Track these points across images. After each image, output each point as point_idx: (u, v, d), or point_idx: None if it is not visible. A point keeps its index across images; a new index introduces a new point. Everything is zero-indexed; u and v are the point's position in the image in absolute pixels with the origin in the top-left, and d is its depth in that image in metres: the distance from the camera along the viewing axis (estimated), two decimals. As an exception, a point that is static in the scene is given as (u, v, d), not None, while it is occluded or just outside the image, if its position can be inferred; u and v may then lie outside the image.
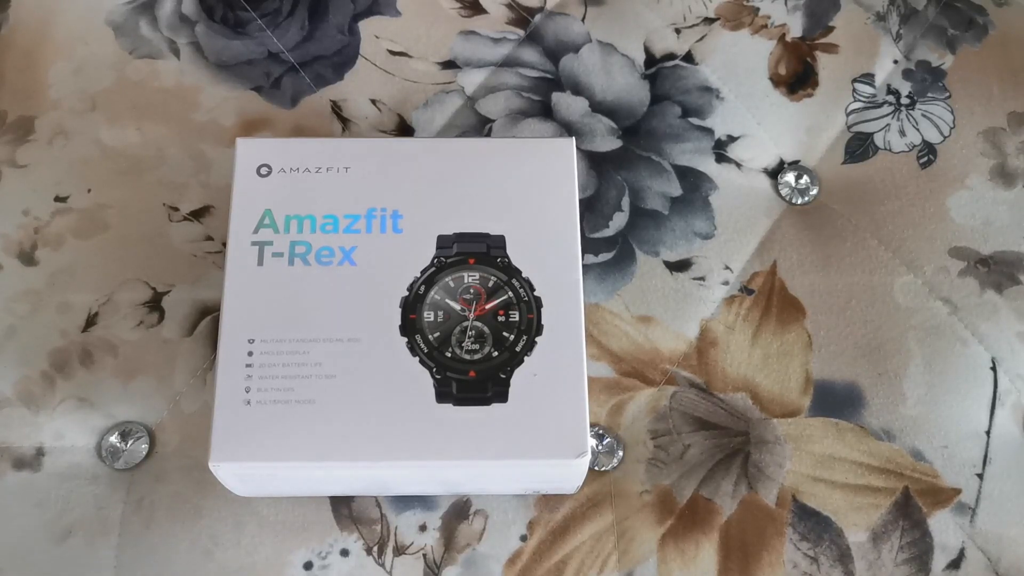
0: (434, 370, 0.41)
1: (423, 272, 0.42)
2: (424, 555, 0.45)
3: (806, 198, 0.52)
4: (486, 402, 0.40)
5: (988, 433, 0.47)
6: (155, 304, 0.49)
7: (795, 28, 0.56)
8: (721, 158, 0.52)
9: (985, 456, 0.47)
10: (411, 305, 0.42)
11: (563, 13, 0.56)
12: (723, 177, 0.52)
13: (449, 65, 0.54)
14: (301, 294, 0.42)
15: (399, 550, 0.45)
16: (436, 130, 0.53)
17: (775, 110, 0.54)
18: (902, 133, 0.53)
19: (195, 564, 0.44)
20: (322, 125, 0.53)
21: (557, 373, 0.41)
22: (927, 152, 0.53)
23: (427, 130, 0.53)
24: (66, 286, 0.49)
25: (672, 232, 0.51)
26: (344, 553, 0.45)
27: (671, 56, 0.55)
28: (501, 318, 0.42)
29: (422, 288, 0.42)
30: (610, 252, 0.50)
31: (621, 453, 0.47)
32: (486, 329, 0.42)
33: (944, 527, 0.46)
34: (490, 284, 0.42)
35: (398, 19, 0.55)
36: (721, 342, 0.49)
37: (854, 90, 0.54)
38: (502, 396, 0.40)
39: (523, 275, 0.42)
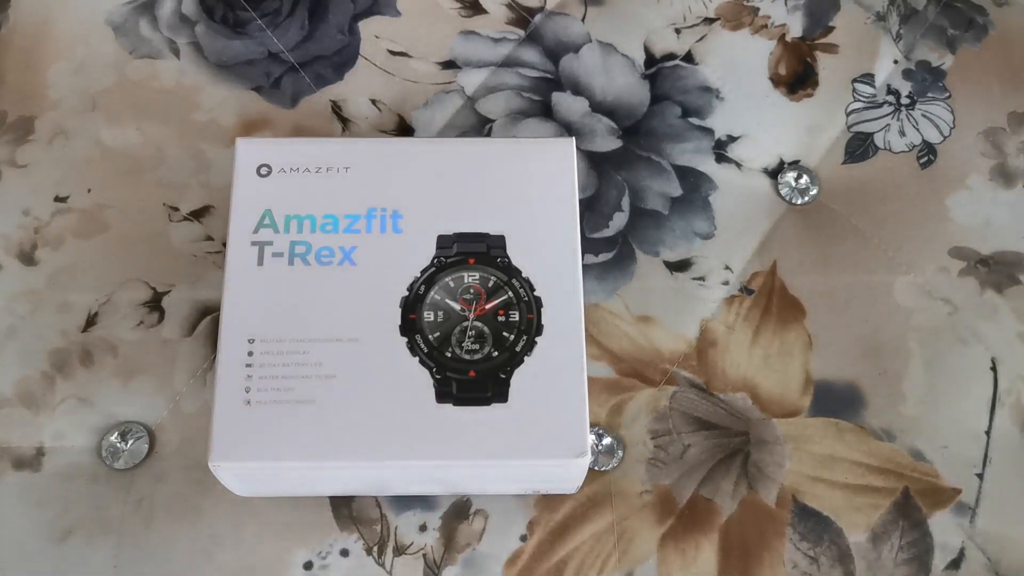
0: (434, 370, 0.41)
1: (423, 272, 0.42)
2: (424, 555, 0.45)
3: (806, 198, 0.52)
4: (486, 402, 0.40)
5: (988, 433, 0.47)
6: (155, 304, 0.49)
7: (795, 28, 0.56)
8: (721, 158, 0.52)
9: (985, 456, 0.47)
10: (411, 305, 0.42)
11: (563, 13, 0.56)
12: (723, 177, 0.52)
13: (449, 65, 0.54)
14: (301, 294, 0.42)
15: (399, 550, 0.45)
16: (436, 130, 0.53)
17: (775, 110, 0.54)
18: (902, 133, 0.53)
19: (195, 564, 0.44)
20: (322, 125, 0.53)
21: (557, 373, 0.41)
22: (927, 152, 0.53)
23: (427, 130, 0.53)
24: (66, 286, 0.49)
25: (672, 232, 0.51)
26: (344, 553, 0.45)
27: (671, 56, 0.55)
28: (501, 318, 0.42)
29: (422, 288, 0.42)
30: (610, 252, 0.50)
31: (621, 453, 0.47)
32: (486, 329, 0.42)
33: (944, 527, 0.46)
34: (490, 284, 0.42)
35: (398, 19, 0.55)
36: (721, 342, 0.49)
37: (854, 90, 0.54)
38: (502, 396, 0.40)
39: (523, 275, 0.42)
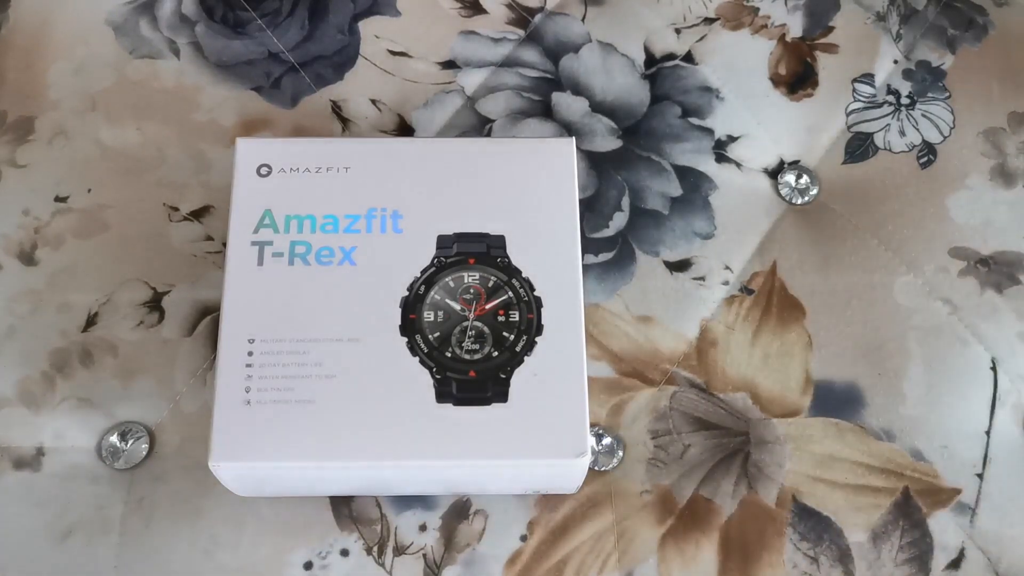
0: (434, 370, 0.41)
1: (423, 272, 0.42)
2: (424, 555, 0.45)
3: (806, 198, 0.52)
4: (486, 402, 0.40)
5: (988, 433, 0.47)
6: (155, 304, 0.49)
7: (795, 28, 0.56)
8: (721, 158, 0.52)
9: (985, 456, 0.47)
10: (411, 305, 0.42)
11: (563, 13, 0.56)
12: (723, 177, 0.52)
13: (449, 65, 0.54)
14: (301, 294, 0.42)
15: (399, 550, 0.45)
16: (436, 130, 0.53)
17: (775, 110, 0.54)
18: (902, 133, 0.53)
19: (195, 564, 0.44)
20: (322, 125, 0.53)
21: (557, 373, 0.41)
22: (927, 152, 0.53)
23: (427, 130, 0.53)
24: (66, 286, 0.49)
25: (672, 232, 0.51)
26: (344, 553, 0.45)
27: (671, 56, 0.55)
28: (501, 318, 0.42)
29: (422, 288, 0.42)
30: (610, 252, 0.50)
31: (621, 453, 0.47)
32: (486, 329, 0.42)
33: (944, 527, 0.46)
34: (490, 284, 0.42)
35: (398, 19, 0.55)
36: (721, 342, 0.49)
37: (854, 90, 0.54)
38: (502, 396, 0.40)
39: (523, 275, 0.42)
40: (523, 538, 0.45)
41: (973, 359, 0.48)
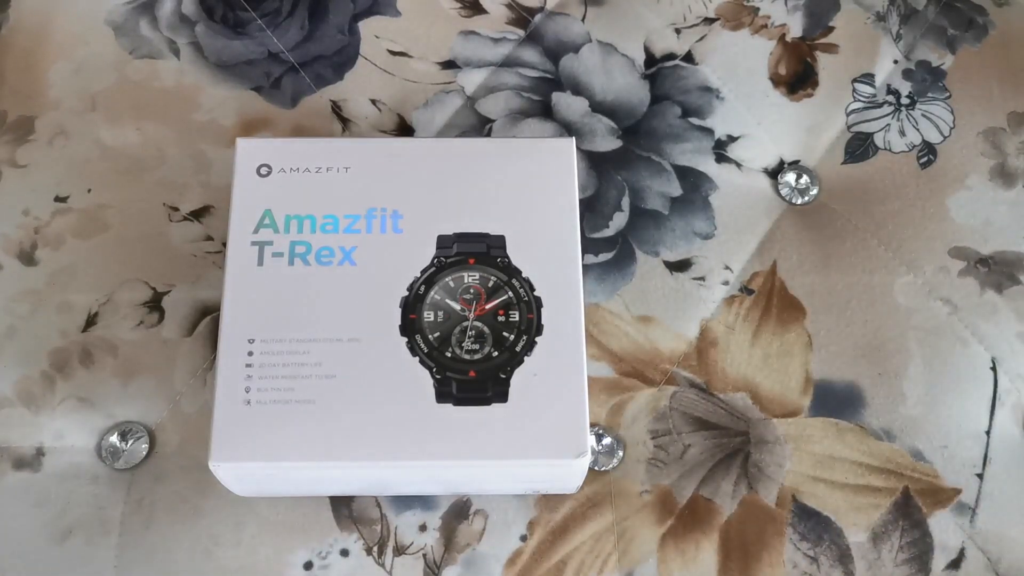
0: (434, 370, 0.41)
1: (423, 272, 0.42)
2: (424, 555, 0.45)
3: (806, 198, 0.52)
4: (486, 402, 0.40)
5: (988, 433, 0.47)
6: (155, 304, 0.49)
7: (795, 28, 0.56)
8: (721, 158, 0.52)
9: (985, 456, 0.47)
10: (411, 305, 0.42)
11: (563, 13, 0.56)
12: (723, 177, 0.52)
13: (449, 65, 0.54)
14: (301, 294, 0.42)
15: (399, 550, 0.45)
16: (436, 130, 0.53)
17: (775, 110, 0.54)
18: (902, 133, 0.53)
19: (195, 564, 0.44)
20: (322, 125, 0.53)
21: (557, 373, 0.41)
22: (927, 152, 0.53)
23: (427, 130, 0.53)
24: (66, 286, 0.49)
25: (672, 232, 0.51)
26: (344, 553, 0.45)
27: (671, 56, 0.55)
28: (501, 318, 0.42)
29: (422, 288, 0.42)
30: (610, 252, 0.50)
31: (621, 453, 0.47)
32: (486, 329, 0.42)
33: (944, 527, 0.46)
34: (490, 284, 0.42)
35: (398, 19, 0.55)
36: (721, 342, 0.49)
37: (854, 90, 0.54)
38: (502, 396, 0.40)
39: (523, 275, 0.42)
40: (523, 538, 0.45)
41: (973, 359, 0.48)
